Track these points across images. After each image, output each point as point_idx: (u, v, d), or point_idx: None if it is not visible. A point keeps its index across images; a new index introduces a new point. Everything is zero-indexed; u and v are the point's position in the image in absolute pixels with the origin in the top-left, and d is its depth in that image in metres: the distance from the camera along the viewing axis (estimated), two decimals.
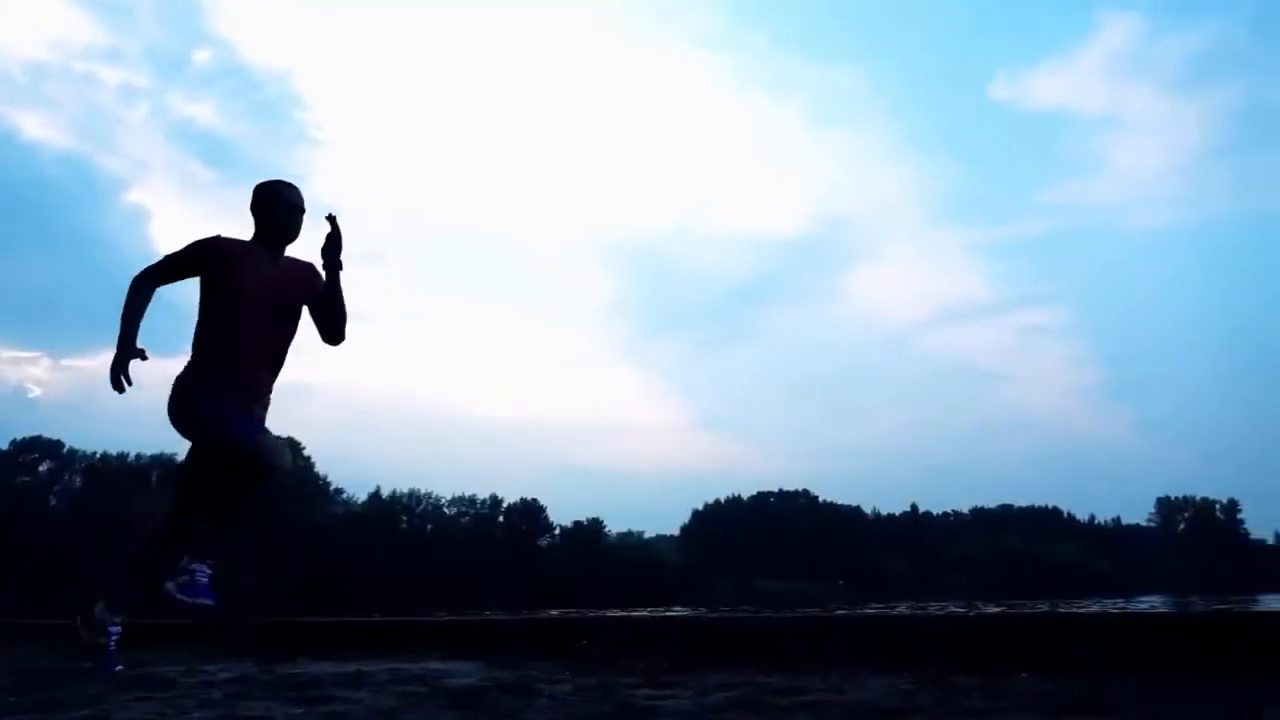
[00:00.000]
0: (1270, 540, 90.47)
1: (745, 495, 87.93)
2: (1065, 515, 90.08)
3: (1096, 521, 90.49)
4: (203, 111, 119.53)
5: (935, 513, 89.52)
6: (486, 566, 71.41)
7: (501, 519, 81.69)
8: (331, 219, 3.12)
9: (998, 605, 23.81)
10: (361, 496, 76.54)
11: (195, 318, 3.14)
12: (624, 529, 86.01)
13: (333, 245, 3.14)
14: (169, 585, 2.92)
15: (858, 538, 79.72)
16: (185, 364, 3.10)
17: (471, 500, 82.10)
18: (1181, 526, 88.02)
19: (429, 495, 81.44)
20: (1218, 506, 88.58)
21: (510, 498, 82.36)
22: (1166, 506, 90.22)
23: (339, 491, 76.59)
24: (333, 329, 3.21)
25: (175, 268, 3.12)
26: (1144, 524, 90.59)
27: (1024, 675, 2.06)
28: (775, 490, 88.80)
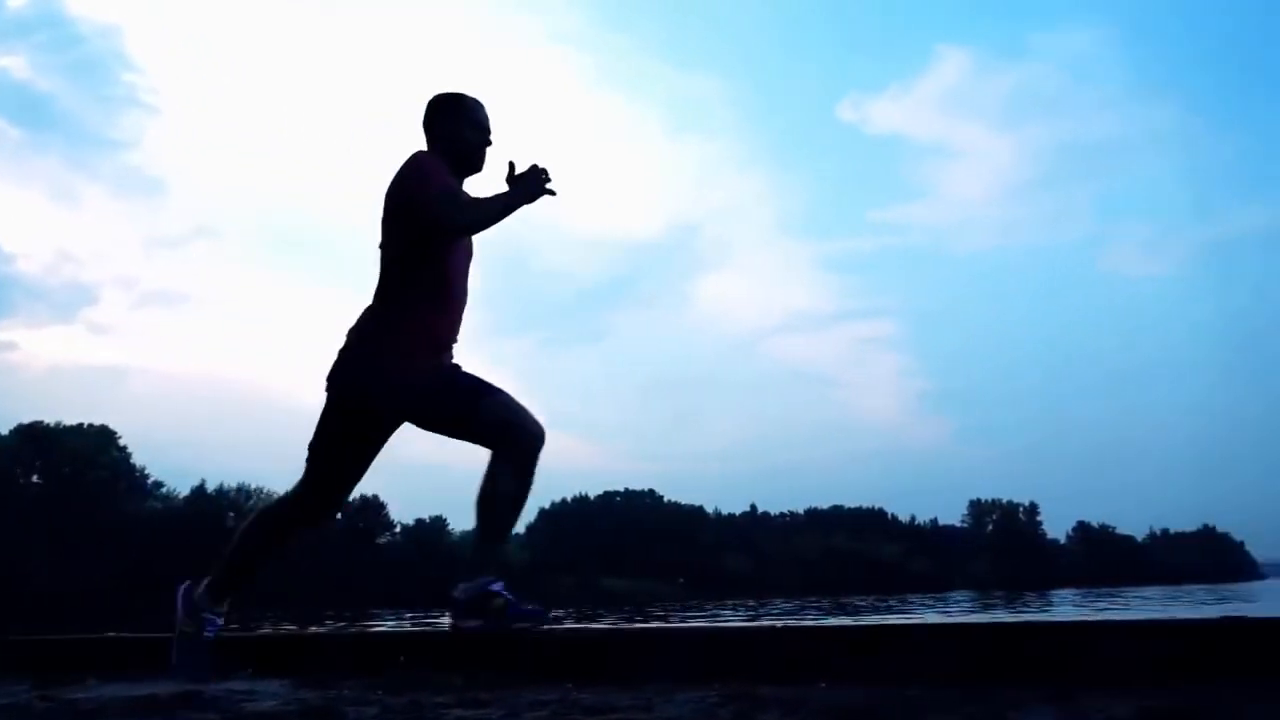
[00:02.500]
0: (1063, 540, 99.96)
1: (592, 495, 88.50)
2: (889, 516, 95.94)
3: (916, 522, 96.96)
4: (14, 64, 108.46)
5: (773, 513, 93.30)
6: (321, 566, 68.46)
7: (338, 516, 78.60)
8: (542, 171, 2.51)
9: (828, 602, 25.16)
10: (184, 490, 71.74)
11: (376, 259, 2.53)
12: (468, 527, 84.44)
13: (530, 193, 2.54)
14: (465, 591, 2.47)
15: (700, 537, 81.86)
16: (374, 318, 2.50)
17: None
18: (990, 527, 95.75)
19: (261, 490, 77.29)
20: (1021, 509, 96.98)
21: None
22: (977, 508, 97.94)
23: (158, 485, 71.47)
24: None
25: (447, 186, 2.50)
26: (958, 524, 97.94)
27: (823, 685, 2.17)
28: (621, 490, 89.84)
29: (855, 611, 18.03)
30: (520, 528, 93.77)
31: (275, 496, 2.65)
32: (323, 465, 2.54)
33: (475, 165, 2.62)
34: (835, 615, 15.49)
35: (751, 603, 33.42)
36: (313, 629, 6.70)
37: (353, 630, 5.31)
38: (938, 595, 42.60)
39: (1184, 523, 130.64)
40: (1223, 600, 19.71)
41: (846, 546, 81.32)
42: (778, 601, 32.08)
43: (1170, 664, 2.02)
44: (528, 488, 2.54)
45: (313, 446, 2.55)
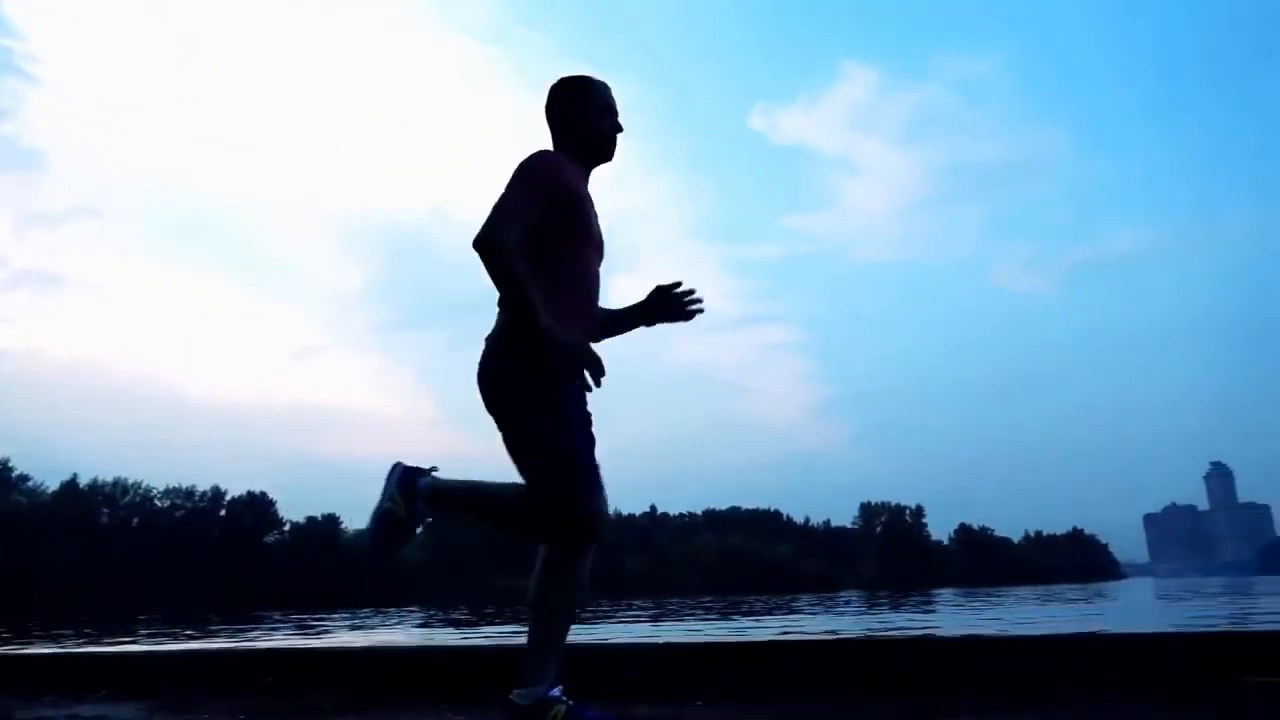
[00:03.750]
0: (946, 541, 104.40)
1: None
2: (785, 517, 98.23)
3: (810, 523, 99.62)
4: None
5: (672, 513, 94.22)
6: (204, 566, 65.40)
7: (223, 513, 75.25)
8: (687, 293, 2.41)
9: (723, 602, 25.54)
10: (53, 484, 67.50)
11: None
12: (362, 525, 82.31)
13: (673, 316, 2.44)
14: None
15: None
16: (500, 318, 2.23)
17: (189, 492, 75.00)
18: (879, 529, 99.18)
19: (137, 485, 73.49)
20: (908, 511, 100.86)
21: (235, 490, 76.14)
22: (868, 510, 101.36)
23: (24, 478, 67.07)
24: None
25: (534, 199, 2.17)
26: (849, 526, 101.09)
27: (699, 704, 2.19)
28: None
29: (750, 612, 18.36)
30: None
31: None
32: (554, 469, 2.21)
33: (607, 154, 2.40)
34: (730, 618, 15.73)
35: (649, 603, 33.65)
36: (174, 645, 6.33)
37: (217, 647, 5.06)
38: (828, 595, 43.83)
39: (1055, 526, 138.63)
40: (1093, 598, 20.93)
41: (743, 547, 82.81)
42: (674, 602, 32.45)
43: (1038, 679, 2.12)
44: (583, 570, 2.22)
45: (527, 461, 2.23)
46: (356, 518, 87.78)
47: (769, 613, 16.54)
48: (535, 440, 2.14)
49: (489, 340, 2.24)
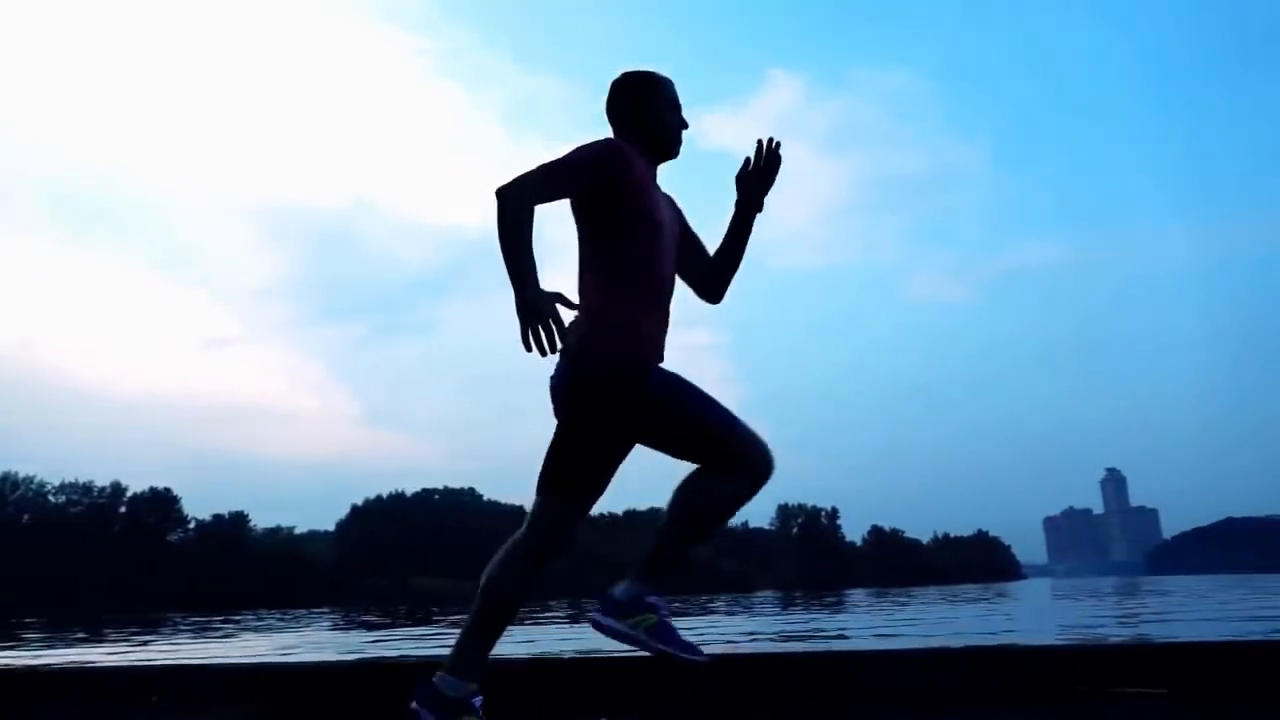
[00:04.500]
0: (859, 542, 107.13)
1: (409, 491, 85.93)
2: None
3: (729, 524, 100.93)
4: None
5: (592, 513, 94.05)
6: (102, 566, 62.39)
7: (124, 510, 71.97)
8: (775, 144, 2.37)
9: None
10: None
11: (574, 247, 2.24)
12: (272, 524, 79.85)
13: (765, 180, 2.40)
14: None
15: None
16: (587, 316, 2.16)
17: (86, 488, 71.50)
18: (795, 530, 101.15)
19: (30, 479, 69.70)
20: (823, 513, 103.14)
21: (136, 486, 72.92)
22: (785, 512, 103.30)
23: None
24: (721, 283, 2.46)
25: (571, 176, 2.12)
26: (766, 527, 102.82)
27: (603, 719, 2.19)
28: (440, 488, 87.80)
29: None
30: (329, 524, 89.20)
31: (503, 550, 2.33)
32: (573, 493, 2.30)
33: (673, 150, 2.37)
34: None
35: (565, 604, 33.56)
36: (38, 660, 5.94)
37: (93, 666, 4.81)
38: (744, 595, 44.47)
39: (962, 528, 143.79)
40: (994, 599, 21.74)
41: None
42: (592, 604, 32.36)
43: (916, 693, 2.18)
44: (739, 506, 2.32)
45: (556, 473, 2.28)
46: (265, 516, 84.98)
47: (685, 614, 16.68)
48: (695, 410, 2.19)
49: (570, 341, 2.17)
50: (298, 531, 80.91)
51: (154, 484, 73.76)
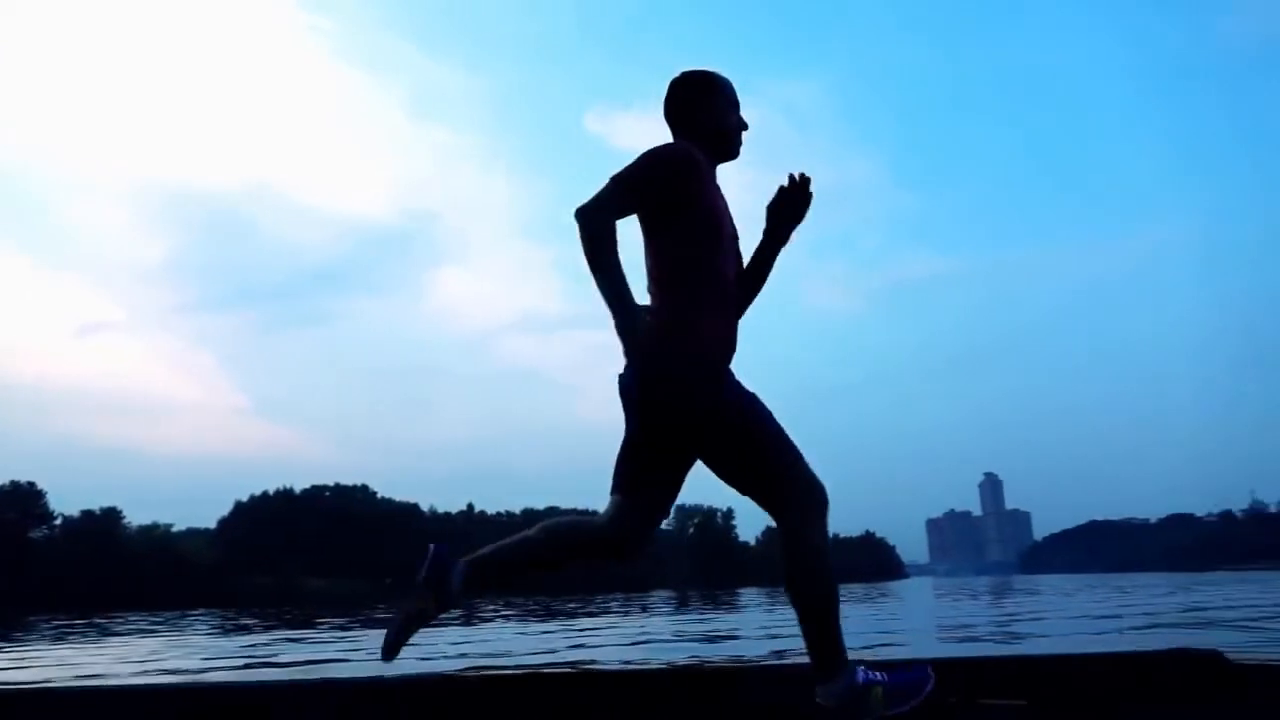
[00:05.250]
0: (753, 542, 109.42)
1: (298, 488, 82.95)
2: None
3: None
4: None
5: (490, 512, 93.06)
6: None
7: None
8: (805, 180, 2.25)
9: (533, 603, 25.47)
10: None
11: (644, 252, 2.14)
12: (148, 521, 75.79)
13: (797, 214, 2.27)
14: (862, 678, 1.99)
15: (414, 535, 79.62)
16: (656, 319, 2.06)
17: None
18: (691, 531, 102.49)
19: None
20: (719, 514, 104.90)
21: None
22: (681, 513, 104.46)
23: None
24: (741, 306, 2.31)
25: (648, 187, 2.04)
26: (664, 527, 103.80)
27: None
28: (331, 484, 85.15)
29: (564, 616, 18.48)
30: (210, 522, 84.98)
31: (576, 515, 2.25)
32: (651, 496, 2.15)
33: (734, 151, 2.29)
34: (543, 621, 15.78)
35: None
36: None
37: None
38: (641, 594, 44.81)
39: (850, 529, 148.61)
40: (881, 597, 22.61)
41: None
42: (484, 606, 32.05)
43: (784, 711, 2.27)
44: (826, 546, 2.19)
45: (634, 475, 2.14)
46: (140, 512, 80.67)
47: (590, 615, 16.74)
48: (764, 435, 2.13)
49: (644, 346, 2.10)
50: (176, 529, 76.97)
51: (16, 477, 69.00)
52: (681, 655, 6.69)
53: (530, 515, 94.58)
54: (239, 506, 79.73)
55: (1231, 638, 6.47)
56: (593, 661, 6.45)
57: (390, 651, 2.08)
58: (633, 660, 6.45)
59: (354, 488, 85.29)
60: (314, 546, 71.93)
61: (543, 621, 14.18)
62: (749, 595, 33.10)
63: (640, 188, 2.04)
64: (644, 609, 19.82)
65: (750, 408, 2.12)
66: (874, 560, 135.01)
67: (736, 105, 2.28)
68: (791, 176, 2.26)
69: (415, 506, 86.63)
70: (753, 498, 2.16)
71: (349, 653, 8.05)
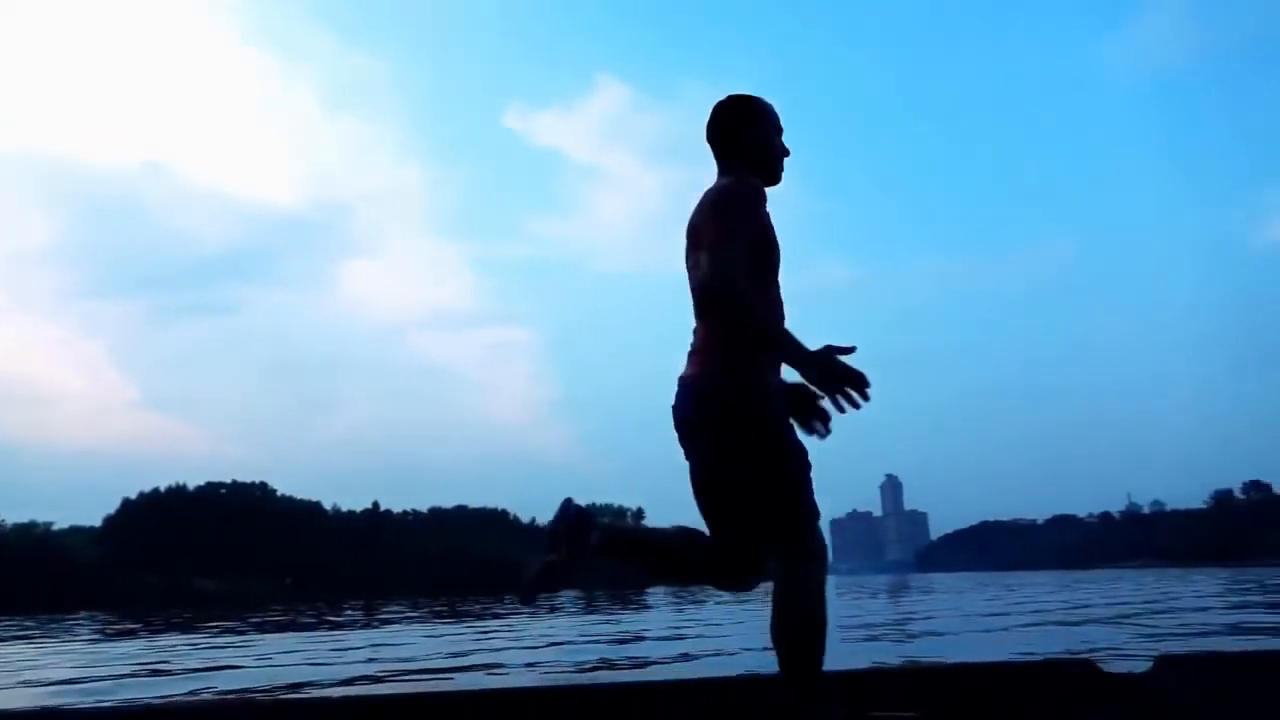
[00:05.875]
0: None
1: (192, 485, 79.54)
2: (511, 517, 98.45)
3: (537, 523, 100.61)
4: None
5: (396, 511, 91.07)
6: None
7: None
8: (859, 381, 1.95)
9: (438, 605, 25.08)
10: None
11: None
12: (25, 519, 71.42)
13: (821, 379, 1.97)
14: None
15: (316, 534, 77.28)
16: (721, 353, 2.01)
17: None
18: None
19: None
20: (630, 514, 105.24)
21: None
22: (594, 512, 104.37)
23: None
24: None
25: (750, 233, 2.03)
26: None
27: None
28: (228, 481, 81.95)
29: (468, 618, 18.29)
30: (96, 520, 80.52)
31: (707, 541, 2.09)
32: (762, 520, 2.04)
33: (779, 176, 2.24)
34: (452, 623, 15.57)
35: (361, 605, 32.32)
36: None
37: None
38: (549, 595, 44.58)
39: None
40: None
41: (468, 547, 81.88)
42: (387, 607, 31.43)
43: None
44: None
45: (729, 506, 2.05)
46: (17, 510, 75.89)
47: (496, 616, 16.58)
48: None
49: (714, 364, 2.05)
50: (57, 528, 72.69)
51: None
52: (591, 657, 6.73)
53: (438, 514, 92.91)
54: (127, 504, 75.90)
55: (1105, 634, 6.90)
56: (500, 667, 6.42)
57: (528, 592, 2.14)
58: (540, 663, 6.45)
59: (252, 485, 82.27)
60: (208, 546, 69.05)
61: (451, 624, 13.99)
62: (657, 596, 33.37)
63: (746, 235, 2.03)
64: (551, 610, 19.76)
65: (797, 446, 2.11)
66: None
67: (781, 130, 2.26)
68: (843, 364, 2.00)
69: (317, 505, 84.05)
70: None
71: (238, 659, 7.80)
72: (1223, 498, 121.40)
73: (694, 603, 21.05)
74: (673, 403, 2.11)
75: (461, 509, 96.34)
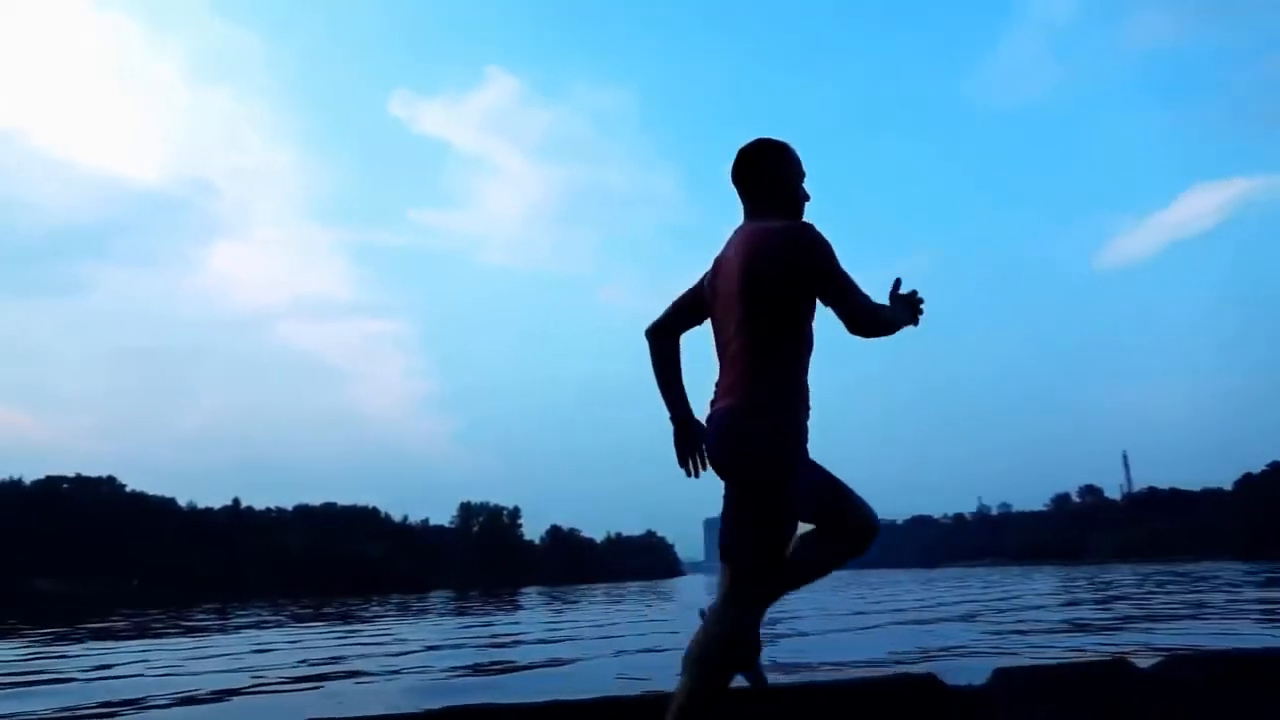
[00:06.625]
0: (538, 541, 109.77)
1: (29, 479, 73.49)
2: (382, 515, 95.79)
3: (408, 521, 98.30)
4: None
5: (258, 508, 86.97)
6: None
7: None
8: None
9: (300, 607, 24.05)
10: None
11: (760, 329, 2.17)
12: None
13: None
14: None
15: (169, 533, 72.80)
16: (761, 392, 2.14)
17: None
18: (476, 529, 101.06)
19: None
20: (505, 512, 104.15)
21: None
22: (467, 510, 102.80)
23: None
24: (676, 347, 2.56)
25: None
26: (448, 525, 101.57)
27: None
28: (72, 475, 76.14)
29: (335, 621, 17.70)
30: None
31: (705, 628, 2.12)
32: (771, 558, 2.14)
33: (801, 217, 2.37)
34: (307, 626, 15.01)
35: (215, 607, 30.67)
36: None
37: None
38: (418, 595, 43.63)
39: (633, 528, 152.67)
40: (654, 597, 23.44)
41: (334, 545, 79.09)
42: (246, 609, 30.02)
43: None
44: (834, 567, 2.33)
45: (750, 540, 2.13)
46: None
47: (362, 618, 16.05)
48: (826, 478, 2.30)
49: (759, 406, 2.15)
50: None
51: None
52: (466, 660, 6.62)
53: (304, 512, 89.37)
54: None
55: (956, 632, 7.33)
56: (364, 674, 6.23)
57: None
58: (402, 669, 6.30)
59: (98, 479, 76.71)
60: (46, 544, 63.98)
61: (313, 627, 13.47)
62: (530, 595, 33.17)
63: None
64: (424, 611, 19.33)
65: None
66: (654, 558, 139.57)
67: (804, 175, 2.39)
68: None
69: (171, 501, 79.16)
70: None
71: (70, 669, 7.25)
72: (1061, 501, 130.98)
73: (567, 602, 21.05)
74: (713, 433, 2.21)
75: (330, 506, 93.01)
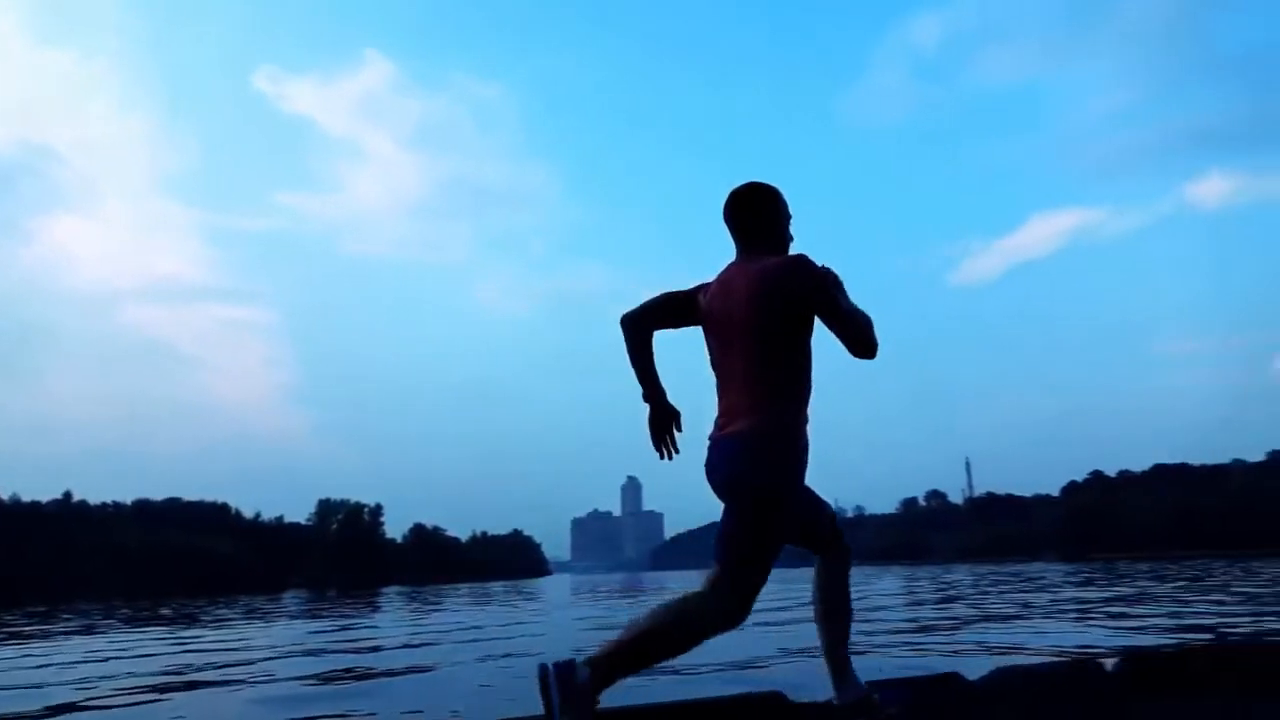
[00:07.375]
0: (400, 539, 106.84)
1: None
2: (233, 511, 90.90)
3: (261, 518, 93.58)
4: None
5: (93, 502, 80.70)
6: None
7: None
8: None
9: (136, 610, 22.48)
10: None
11: (770, 358, 2.32)
12: None
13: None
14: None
15: None
16: (773, 421, 2.28)
17: None
18: (335, 526, 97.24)
19: None
20: (366, 510, 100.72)
21: None
22: (325, 507, 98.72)
23: None
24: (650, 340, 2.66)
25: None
26: (304, 522, 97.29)
27: None
28: None
29: (173, 623, 16.72)
30: None
31: (686, 596, 2.29)
32: (760, 572, 2.29)
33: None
34: (142, 630, 14.11)
35: (41, 609, 28.30)
36: None
37: None
38: (271, 596, 41.66)
39: (499, 526, 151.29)
40: (519, 597, 23.22)
41: (178, 543, 74.25)
42: (73, 612, 27.95)
43: None
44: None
45: (747, 555, 2.27)
46: None
47: (201, 622, 15.17)
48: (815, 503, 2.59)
49: (770, 434, 2.27)
50: None
51: None
52: (327, 667, 6.38)
53: (144, 507, 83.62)
54: None
55: (810, 633, 7.59)
56: (210, 685, 5.91)
57: None
58: (247, 679, 6.00)
59: None
60: None
61: (149, 631, 12.63)
62: (390, 596, 32.26)
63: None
64: (273, 613, 18.47)
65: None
66: (519, 557, 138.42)
67: (791, 218, 2.56)
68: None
69: None
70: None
71: None
72: (909, 504, 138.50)
73: (429, 603, 20.59)
74: (718, 455, 2.33)
75: (174, 501, 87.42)
